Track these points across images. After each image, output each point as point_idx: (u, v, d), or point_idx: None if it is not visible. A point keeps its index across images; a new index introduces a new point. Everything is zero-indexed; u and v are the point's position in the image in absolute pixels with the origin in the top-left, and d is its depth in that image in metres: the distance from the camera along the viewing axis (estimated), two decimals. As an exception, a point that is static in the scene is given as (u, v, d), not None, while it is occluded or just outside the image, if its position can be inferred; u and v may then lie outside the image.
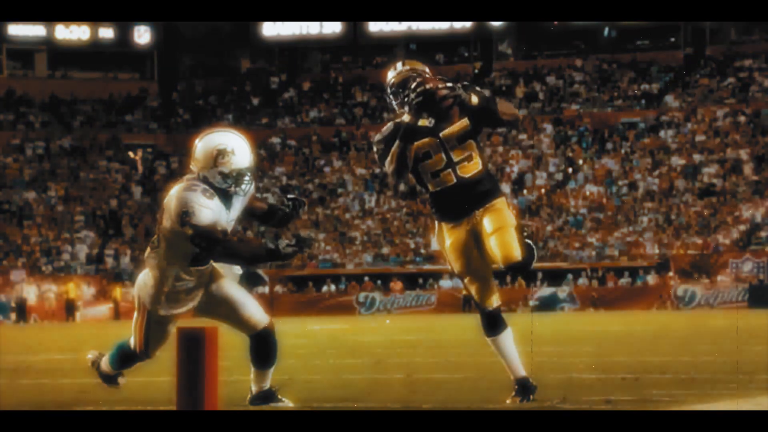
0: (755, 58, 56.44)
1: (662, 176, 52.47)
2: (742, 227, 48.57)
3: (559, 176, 54.27)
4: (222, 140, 8.19)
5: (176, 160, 60.84)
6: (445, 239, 8.35)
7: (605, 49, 59.81)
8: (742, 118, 53.95)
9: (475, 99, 8.21)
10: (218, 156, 8.09)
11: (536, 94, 58.94)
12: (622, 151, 54.54)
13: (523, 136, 56.47)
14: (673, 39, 59.21)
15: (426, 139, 8.22)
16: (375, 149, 8.44)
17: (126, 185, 59.13)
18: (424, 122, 8.22)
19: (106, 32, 62.96)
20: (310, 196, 53.99)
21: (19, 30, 61.77)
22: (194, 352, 4.97)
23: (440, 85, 8.22)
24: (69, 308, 47.09)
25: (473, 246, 8.26)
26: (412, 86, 8.16)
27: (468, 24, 56.06)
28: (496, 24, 56.20)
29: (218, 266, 8.39)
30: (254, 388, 8.54)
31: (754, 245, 47.43)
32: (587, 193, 52.54)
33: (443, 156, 8.21)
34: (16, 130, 60.29)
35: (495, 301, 8.38)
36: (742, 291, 44.06)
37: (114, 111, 62.77)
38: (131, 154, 60.37)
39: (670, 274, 46.44)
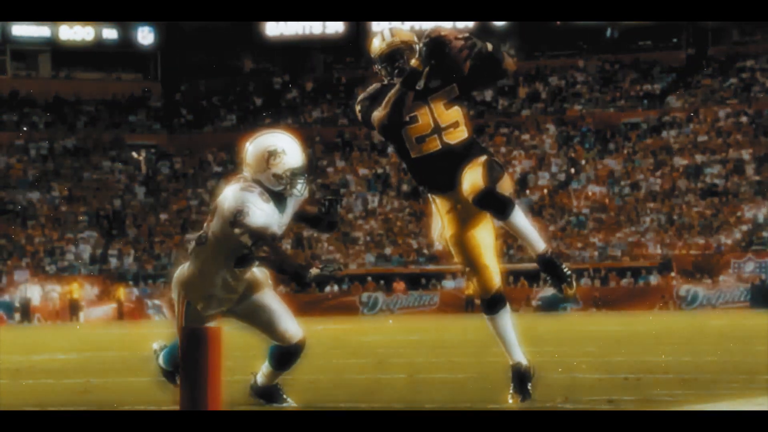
0: (757, 58, 56.41)
1: (664, 176, 52.47)
2: (745, 227, 48.57)
3: (562, 176, 54.27)
4: (272, 141, 8.13)
5: (179, 160, 60.89)
6: (443, 218, 8.10)
7: (608, 49, 59.78)
8: (744, 119, 53.94)
9: (489, 46, 7.95)
10: (270, 158, 8.03)
11: (539, 94, 58.94)
12: (625, 152, 54.54)
13: (525, 137, 56.50)
14: (675, 39, 59.19)
15: (414, 103, 7.92)
16: (358, 108, 8.14)
17: (129, 185, 59.16)
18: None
19: (110, 33, 62.98)
20: (312, 196, 53.98)
21: (23, 30, 61.79)
22: (198, 351, 4.94)
23: (457, 36, 7.88)
24: (72, 308, 47.08)
25: (468, 221, 8.01)
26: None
27: (470, 24, 56.14)
28: (498, 24, 56.25)
29: (260, 273, 8.33)
30: (261, 381, 8.57)
31: (756, 245, 47.43)
32: (590, 193, 52.54)
33: (430, 121, 7.94)
34: (19, 131, 60.31)
35: (496, 282, 8.12)
36: (744, 291, 44.06)
37: (117, 111, 62.80)
38: (134, 154, 60.44)
39: (673, 274, 46.42)
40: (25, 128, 60.52)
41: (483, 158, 7.88)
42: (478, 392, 9.68)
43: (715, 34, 58.27)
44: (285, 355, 8.41)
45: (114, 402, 9.22)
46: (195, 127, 62.60)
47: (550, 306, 45.14)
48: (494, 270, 8.12)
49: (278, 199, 8.06)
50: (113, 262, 54.27)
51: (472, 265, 8.09)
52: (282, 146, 8.08)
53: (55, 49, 62.93)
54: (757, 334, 19.23)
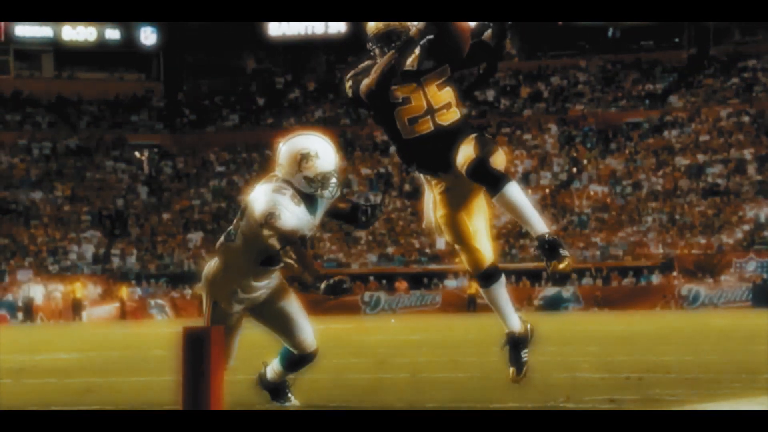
0: (759, 58, 56.41)
1: (666, 176, 52.50)
2: (746, 227, 48.59)
3: (564, 176, 54.31)
4: (305, 144, 8.09)
5: (182, 160, 60.95)
6: (435, 198, 8.05)
7: (609, 49, 59.81)
8: (746, 118, 53.96)
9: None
10: (302, 160, 7.99)
11: (540, 94, 58.98)
12: (627, 151, 54.57)
13: (527, 136, 56.54)
14: (677, 39, 59.20)
15: (406, 84, 7.84)
16: (349, 84, 7.98)
17: (132, 185, 59.22)
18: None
19: (113, 33, 63.06)
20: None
21: (26, 31, 61.89)
22: (199, 352, 4.93)
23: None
24: (75, 308, 47.16)
25: (460, 203, 7.98)
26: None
27: (472, 24, 55.99)
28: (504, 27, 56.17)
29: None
30: (270, 376, 8.64)
31: (758, 245, 47.45)
32: (591, 192, 52.57)
33: (423, 103, 7.84)
34: (22, 131, 60.39)
35: (487, 259, 8.01)
36: (746, 290, 44.08)
37: (120, 111, 62.87)
38: (137, 154, 60.51)
39: (674, 273, 46.43)
40: (28, 128, 60.61)
41: (475, 134, 7.85)
42: (481, 392, 9.71)
43: (717, 34, 58.29)
44: (298, 361, 8.52)
45: (116, 402, 9.25)
46: (197, 127, 62.65)
47: (552, 305, 45.20)
48: (485, 249, 8.02)
49: (309, 200, 8.04)
50: (116, 261, 54.33)
51: (463, 246, 8.04)
52: (315, 149, 8.05)
53: (57, 49, 63.01)
54: (759, 334, 19.26)
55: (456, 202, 8.00)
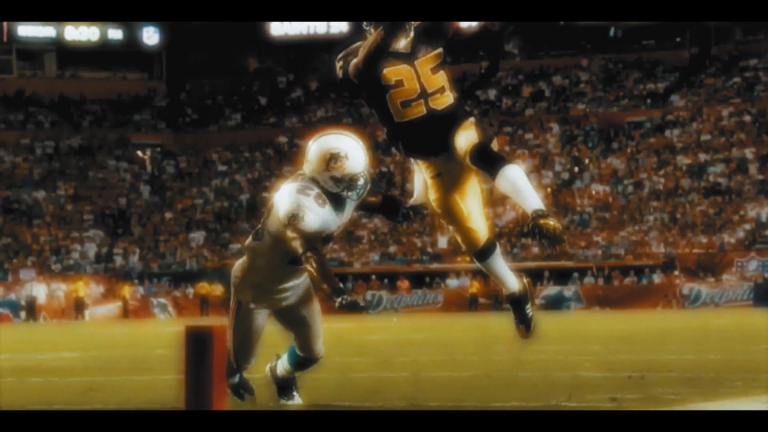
0: (760, 57, 56.42)
1: (668, 175, 52.54)
2: (748, 226, 48.63)
3: (565, 175, 54.35)
4: (336, 144, 7.98)
5: (184, 159, 61.04)
6: (428, 183, 7.98)
7: (611, 48, 59.84)
8: (747, 118, 54.01)
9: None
10: (331, 160, 7.90)
11: (542, 93, 59.02)
12: (628, 151, 54.61)
13: (529, 136, 56.58)
14: (678, 39, 59.21)
15: (400, 66, 7.72)
16: (339, 65, 7.88)
17: (134, 184, 59.30)
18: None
19: (115, 33, 63.13)
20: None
21: (28, 31, 61.96)
22: (202, 351, 4.86)
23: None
24: (78, 307, 47.26)
25: (453, 186, 7.91)
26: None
27: (474, 24, 56.06)
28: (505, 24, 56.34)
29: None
30: (280, 372, 8.68)
31: (759, 244, 47.47)
32: (593, 192, 52.62)
33: (416, 85, 7.71)
34: (25, 130, 60.49)
35: (482, 238, 7.99)
36: (748, 290, 44.13)
37: (122, 111, 62.95)
38: (140, 153, 60.59)
39: (676, 272, 46.47)
40: (30, 127, 60.70)
41: (472, 119, 7.78)
42: (482, 391, 9.73)
43: (719, 34, 58.30)
44: (304, 362, 8.61)
45: (119, 400, 9.27)
46: (200, 126, 62.73)
47: (554, 304, 45.24)
48: (480, 228, 8.00)
49: (336, 199, 7.97)
50: (118, 260, 54.41)
51: (457, 227, 8.03)
52: (345, 150, 7.96)
53: (60, 48, 63.09)
54: (760, 333, 19.26)
55: (449, 185, 7.93)
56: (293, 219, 7.77)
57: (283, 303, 8.36)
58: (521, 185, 7.58)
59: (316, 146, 7.98)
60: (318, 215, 7.84)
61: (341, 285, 7.94)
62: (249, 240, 8.28)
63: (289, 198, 7.88)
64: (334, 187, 7.92)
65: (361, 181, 7.97)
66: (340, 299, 7.75)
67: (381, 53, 7.64)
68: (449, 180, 7.91)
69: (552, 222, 7.46)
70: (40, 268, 52.42)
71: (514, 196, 7.64)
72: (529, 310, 8.15)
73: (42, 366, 14.95)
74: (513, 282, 8.13)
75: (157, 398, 9.27)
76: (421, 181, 8.15)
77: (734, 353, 14.31)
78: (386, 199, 8.46)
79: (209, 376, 4.81)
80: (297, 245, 7.81)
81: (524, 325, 8.12)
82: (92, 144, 60.67)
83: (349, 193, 7.98)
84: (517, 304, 8.10)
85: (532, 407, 8.00)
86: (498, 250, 8.07)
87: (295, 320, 8.45)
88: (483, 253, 8.01)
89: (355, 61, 7.74)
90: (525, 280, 8.20)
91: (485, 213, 8.12)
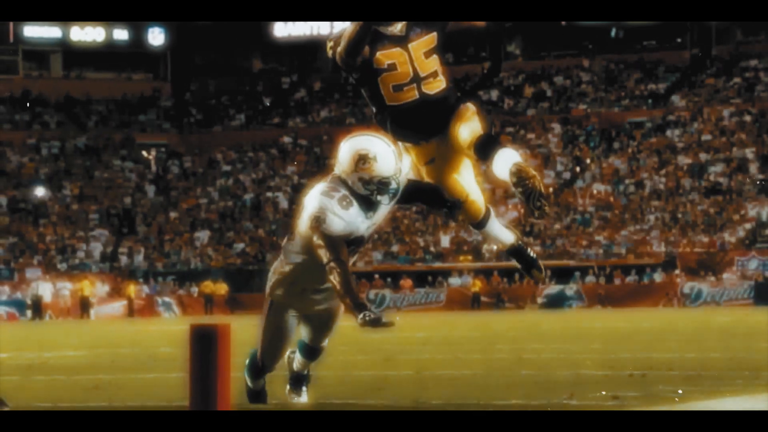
0: (761, 58, 56.38)
1: (669, 175, 52.60)
2: (748, 225, 48.68)
3: (567, 175, 54.41)
4: (366, 145, 7.77)
5: (189, 159, 61.18)
6: (420, 169, 7.95)
7: (612, 49, 59.82)
8: (747, 118, 54.06)
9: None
10: (359, 161, 7.71)
11: (544, 93, 59.09)
12: (629, 151, 54.67)
13: (531, 136, 56.65)
14: (679, 39, 59.22)
15: (393, 49, 7.64)
16: (329, 46, 7.79)
17: (140, 184, 59.42)
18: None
19: (121, 33, 63.20)
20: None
21: (34, 31, 62.03)
22: (207, 349, 4.90)
23: None
24: (83, 306, 47.27)
25: (444, 168, 7.90)
26: None
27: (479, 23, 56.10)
28: (503, 24, 56.41)
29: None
30: (296, 367, 8.71)
31: (759, 243, 47.52)
32: (594, 191, 52.66)
33: (409, 69, 7.62)
34: (31, 130, 60.58)
35: (483, 208, 8.06)
36: (748, 288, 44.20)
37: (128, 111, 63.04)
38: (145, 153, 60.74)
39: (677, 271, 46.48)
40: (36, 127, 60.84)
41: (471, 106, 7.76)
42: (484, 389, 9.76)
43: (719, 34, 58.33)
44: (313, 351, 8.63)
45: (124, 399, 9.30)
46: (204, 127, 62.85)
47: (555, 303, 45.38)
48: (479, 200, 8.03)
49: (365, 200, 7.77)
50: (124, 259, 54.54)
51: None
52: (375, 152, 7.71)
53: (66, 49, 63.16)
54: (761, 331, 19.25)
55: (444, 168, 7.91)
56: (315, 222, 7.67)
57: (315, 307, 8.30)
58: (510, 157, 7.61)
59: (347, 147, 7.84)
60: (341, 218, 7.70)
61: (365, 300, 7.83)
62: (285, 241, 8.22)
63: (314, 201, 7.77)
64: (362, 188, 7.73)
65: (392, 185, 7.72)
66: (362, 315, 7.59)
67: (362, 43, 7.53)
68: (442, 163, 7.90)
69: (532, 172, 7.58)
70: (45, 267, 52.53)
71: (502, 166, 7.57)
72: (532, 252, 8.29)
73: (48, 364, 14.94)
74: (509, 236, 8.26)
75: (163, 396, 9.34)
76: (409, 161, 8.01)
77: (735, 351, 14.25)
78: (430, 189, 8.07)
79: (214, 374, 4.84)
80: (322, 254, 7.69)
81: (535, 267, 8.23)
82: (98, 144, 60.77)
83: (380, 197, 7.75)
84: (520, 252, 8.24)
85: (534, 405, 8.03)
86: (493, 213, 8.18)
87: (319, 325, 8.46)
88: (483, 222, 8.13)
89: (339, 49, 7.65)
90: (519, 237, 8.35)
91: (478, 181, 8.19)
